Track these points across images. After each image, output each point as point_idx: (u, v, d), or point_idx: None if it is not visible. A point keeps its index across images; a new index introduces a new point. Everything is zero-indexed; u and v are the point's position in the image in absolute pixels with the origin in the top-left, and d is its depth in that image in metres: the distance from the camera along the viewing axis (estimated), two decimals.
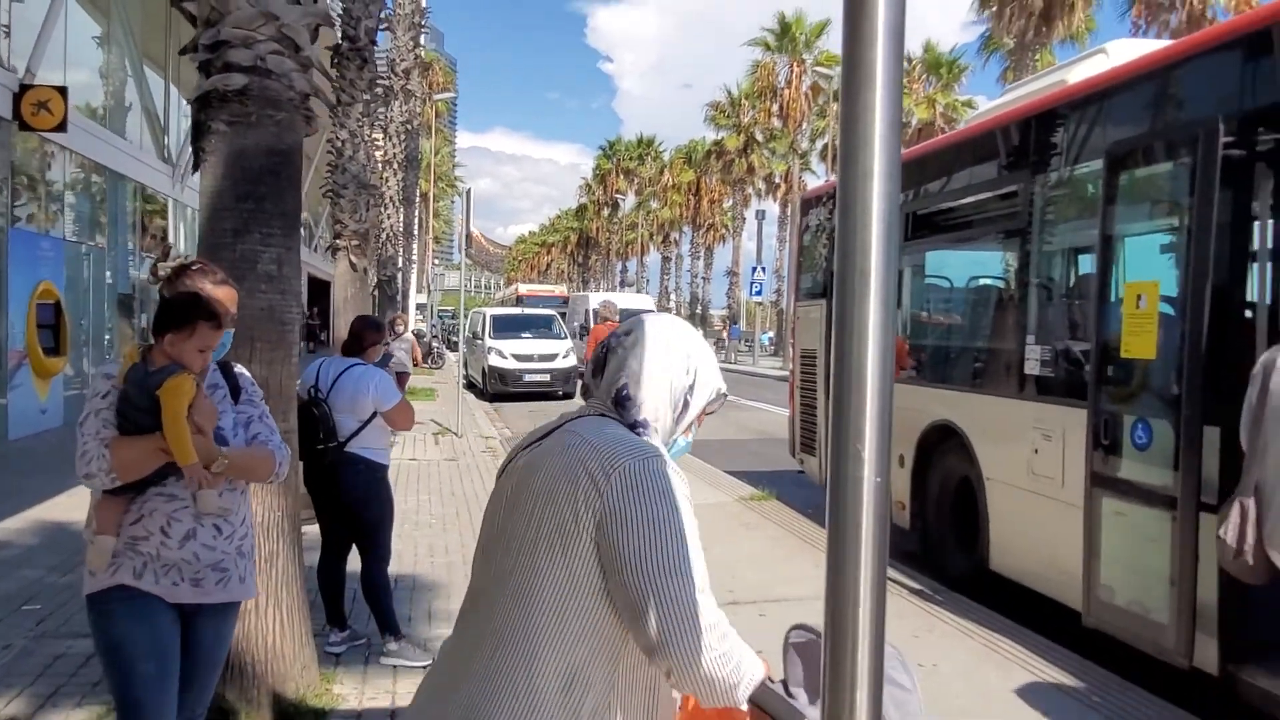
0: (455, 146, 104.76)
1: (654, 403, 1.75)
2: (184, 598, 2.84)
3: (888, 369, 1.15)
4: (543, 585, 1.63)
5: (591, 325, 23.28)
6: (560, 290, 51.21)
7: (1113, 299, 5.03)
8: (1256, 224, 4.46)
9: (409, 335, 16.52)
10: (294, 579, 4.38)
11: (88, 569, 2.84)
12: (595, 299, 29.08)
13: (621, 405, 1.76)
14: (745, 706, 1.64)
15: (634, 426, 1.75)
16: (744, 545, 7.82)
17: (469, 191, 15.47)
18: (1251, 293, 4.54)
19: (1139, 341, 4.71)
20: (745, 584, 6.57)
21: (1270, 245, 4.52)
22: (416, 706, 1.83)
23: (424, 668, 4.93)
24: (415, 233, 41.55)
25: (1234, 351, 4.35)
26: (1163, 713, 4.52)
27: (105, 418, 2.75)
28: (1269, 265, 4.55)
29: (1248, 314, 4.50)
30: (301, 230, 30.93)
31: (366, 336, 5.33)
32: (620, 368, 1.77)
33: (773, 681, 1.68)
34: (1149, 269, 4.88)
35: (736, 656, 1.62)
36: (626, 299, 31.86)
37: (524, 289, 50.90)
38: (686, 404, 1.79)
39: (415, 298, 46.77)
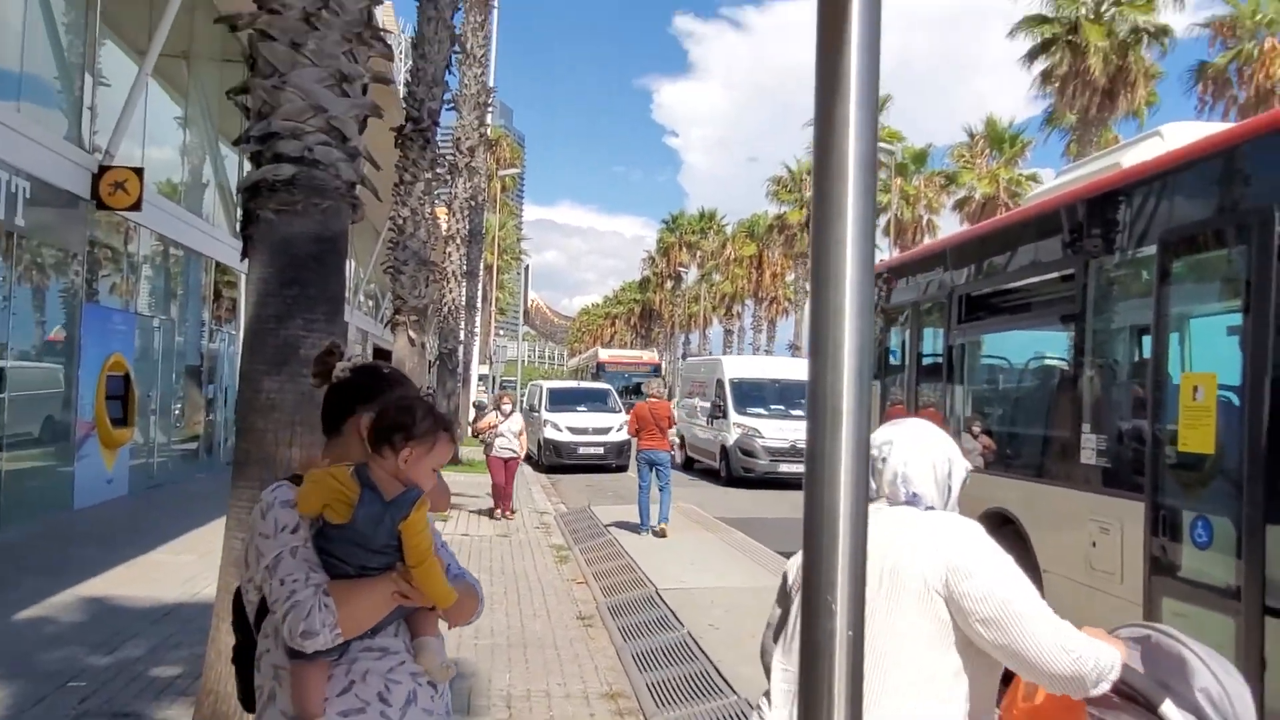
0: (522, 219, 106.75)
1: (928, 491, 2.29)
2: None
3: (861, 512, 1.09)
4: (900, 644, 2.09)
5: (720, 399, 21.16)
6: (649, 357, 42.29)
7: (1169, 389, 4.87)
8: None
9: (517, 415, 14.76)
10: None
11: None
12: (730, 365, 22.98)
13: (910, 501, 2.30)
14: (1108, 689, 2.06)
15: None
16: None
17: (527, 268, 15.74)
18: None
19: (1196, 435, 4.53)
20: None
21: None
22: None
23: None
24: (479, 305, 41.49)
25: None
26: None
27: (306, 558, 2.14)
28: None
29: None
30: (365, 303, 31.11)
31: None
32: (895, 476, 2.31)
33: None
34: (1205, 359, 4.72)
35: (1093, 653, 2.04)
36: (776, 364, 26.04)
37: (605, 355, 40.94)
38: (950, 487, 2.33)
39: (478, 369, 46.79)
